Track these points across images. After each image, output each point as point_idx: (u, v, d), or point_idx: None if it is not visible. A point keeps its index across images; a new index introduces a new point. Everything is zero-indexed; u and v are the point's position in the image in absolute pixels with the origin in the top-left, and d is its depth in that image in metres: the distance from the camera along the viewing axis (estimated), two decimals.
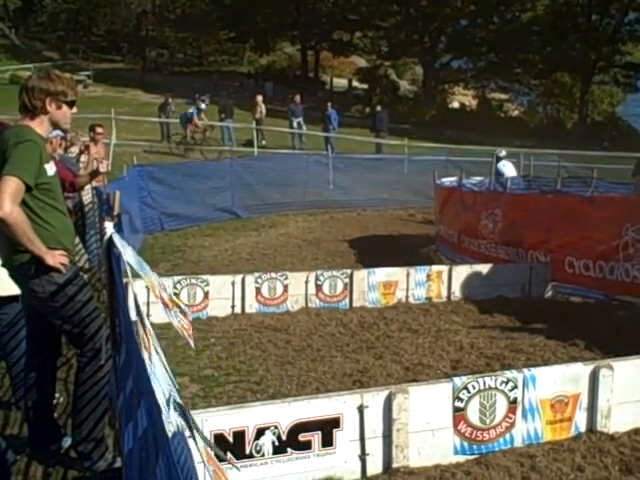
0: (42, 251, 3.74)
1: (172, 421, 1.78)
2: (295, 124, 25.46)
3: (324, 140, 24.60)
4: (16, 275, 3.95)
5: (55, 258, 3.79)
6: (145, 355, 2.17)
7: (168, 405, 1.83)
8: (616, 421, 4.63)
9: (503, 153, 14.98)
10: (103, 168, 6.21)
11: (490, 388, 4.27)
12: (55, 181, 3.97)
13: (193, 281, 7.74)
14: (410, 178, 17.98)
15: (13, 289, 4.30)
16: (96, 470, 4.02)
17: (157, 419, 1.84)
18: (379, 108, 26.81)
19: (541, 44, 42.14)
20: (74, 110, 4.07)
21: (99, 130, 11.25)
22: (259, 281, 7.96)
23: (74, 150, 9.36)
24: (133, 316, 2.82)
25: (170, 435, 1.75)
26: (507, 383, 4.32)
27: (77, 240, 7.28)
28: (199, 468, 1.68)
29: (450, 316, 7.98)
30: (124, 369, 3.26)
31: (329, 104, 25.89)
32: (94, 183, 8.36)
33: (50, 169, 3.88)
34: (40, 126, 3.92)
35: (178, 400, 1.86)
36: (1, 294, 4.62)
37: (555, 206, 9.19)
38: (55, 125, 4.02)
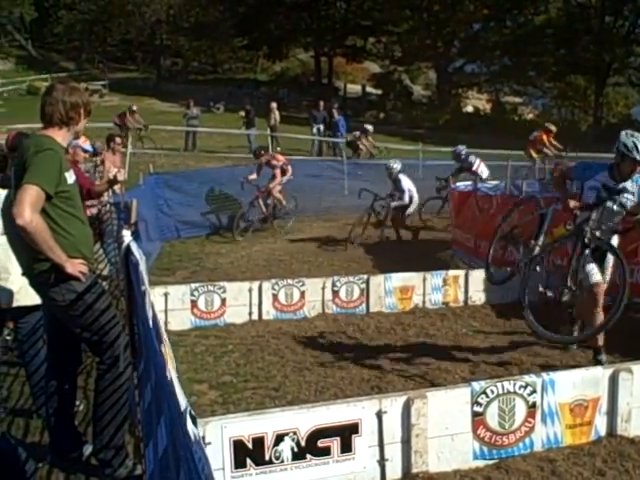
0: (62, 259, 3.77)
1: (190, 432, 1.80)
2: (315, 130, 25.34)
3: (332, 147, 24.50)
4: (36, 283, 3.98)
5: (75, 266, 3.82)
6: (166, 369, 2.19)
7: (185, 416, 1.85)
8: (636, 425, 4.60)
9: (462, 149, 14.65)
10: (121, 177, 6.28)
11: (509, 392, 4.26)
12: (75, 189, 4.00)
13: (210, 288, 7.77)
14: (425, 183, 17.87)
15: (34, 299, 4.34)
16: (117, 477, 4.04)
17: (178, 432, 1.86)
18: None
19: (555, 47, 42.06)
20: None
21: (118, 140, 11.40)
22: (276, 288, 7.98)
23: (95, 159, 9.46)
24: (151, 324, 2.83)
25: (190, 446, 1.77)
26: (526, 387, 4.30)
27: (97, 246, 7.34)
28: (215, 476, 1.70)
29: (467, 320, 7.97)
30: (143, 378, 3.28)
31: (335, 111, 25.80)
32: (111, 192, 8.44)
33: (70, 177, 3.91)
34: (64, 136, 3.99)
35: (192, 412, 1.88)
36: (22, 304, 4.66)
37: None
38: (76, 135, 4.09)
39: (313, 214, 16.29)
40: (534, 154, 17.90)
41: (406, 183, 13.31)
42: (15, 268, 4.46)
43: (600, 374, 4.56)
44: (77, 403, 4.68)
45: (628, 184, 5.88)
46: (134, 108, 25.14)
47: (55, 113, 3.93)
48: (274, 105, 26.08)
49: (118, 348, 4.02)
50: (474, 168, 13.93)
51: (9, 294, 4.63)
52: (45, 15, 51.17)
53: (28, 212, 3.62)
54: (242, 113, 25.32)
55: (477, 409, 4.20)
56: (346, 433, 3.93)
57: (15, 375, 5.64)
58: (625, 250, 8.12)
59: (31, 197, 3.66)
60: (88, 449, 4.27)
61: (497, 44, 44.76)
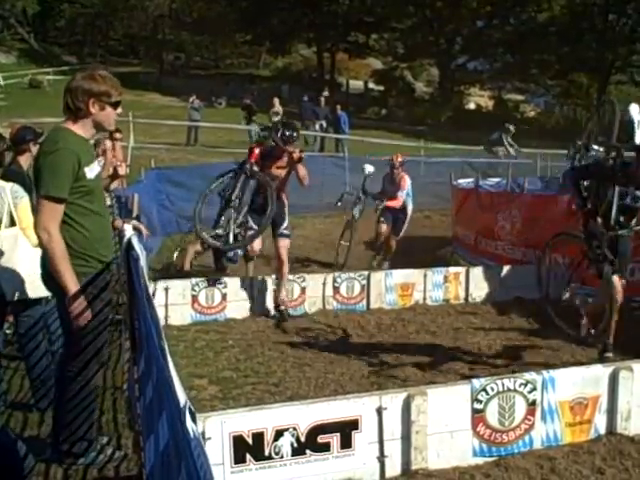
0: (69, 288, 3.71)
1: (189, 428, 1.79)
2: (317, 126, 25.24)
3: (334, 143, 24.43)
4: (44, 274, 3.94)
5: (79, 304, 3.75)
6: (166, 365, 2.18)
7: (184, 412, 1.85)
8: (636, 423, 4.59)
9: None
10: (122, 171, 6.26)
11: (509, 390, 4.26)
12: (96, 184, 3.91)
13: (211, 283, 7.77)
14: (426, 180, 17.85)
15: (36, 292, 4.34)
16: (99, 464, 4.02)
17: (178, 429, 1.85)
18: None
19: (557, 44, 41.98)
20: (119, 111, 3.99)
21: (119, 135, 11.34)
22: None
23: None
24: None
25: (190, 442, 1.76)
26: (526, 385, 4.30)
27: None
28: (215, 471, 1.69)
29: (468, 318, 7.97)
30: (144, 376, 3.26)
31: (338, 107, 25.76)
32: (112, 186, 8.40)
33: (91, 172, 3.82)
34: (82, 128, 3.86)
35: (191, 408, 1.88)
36: (25, 297, 4.64)
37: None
38: (98, 126, 3.93)
39: (314, 210, 16.25)
40: None
41: None
42: (20, 260, 4.46)
43: (600, 372, 4.56)
44: None
45: None
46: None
47: (64, 102, 3.83)
48: (276, 100, 26.03)
49: (89, 354, 3.92)
50: None
51: (13, 286, 4.60)
52: (48, 8, 51.17)
53: (45, 234, 3.64)
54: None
55: (477, 406, 4.19)
56: (346, 429, 3.92)
57: (15, 369, 5.64)
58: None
59: (45, 215, 3.65)
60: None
61: (500, 41, 44.75)
